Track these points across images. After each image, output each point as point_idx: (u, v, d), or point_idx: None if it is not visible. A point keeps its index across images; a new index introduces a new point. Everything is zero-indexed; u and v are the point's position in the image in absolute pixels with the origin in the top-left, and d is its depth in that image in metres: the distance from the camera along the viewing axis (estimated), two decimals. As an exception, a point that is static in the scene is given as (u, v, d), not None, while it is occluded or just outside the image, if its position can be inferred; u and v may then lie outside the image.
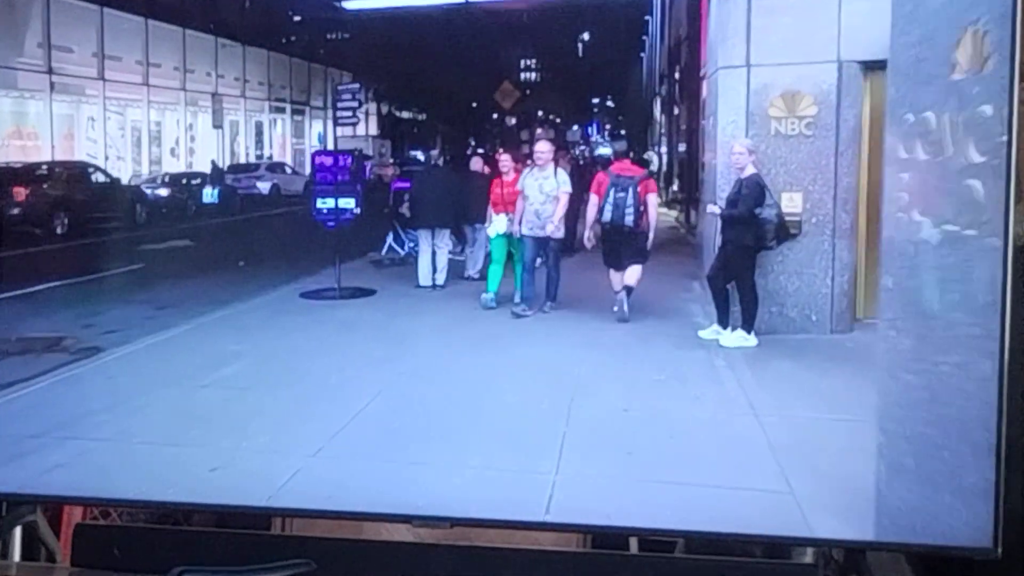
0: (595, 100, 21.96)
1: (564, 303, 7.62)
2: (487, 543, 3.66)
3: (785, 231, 6.25)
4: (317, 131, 20.76)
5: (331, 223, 8.02)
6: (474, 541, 3.64)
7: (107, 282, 8.76)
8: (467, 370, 6.31)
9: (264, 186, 19.39)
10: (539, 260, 7.64)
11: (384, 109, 20.33)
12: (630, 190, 7.01)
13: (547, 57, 21.33)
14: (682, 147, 13.65)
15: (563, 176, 7.54)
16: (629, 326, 6.98)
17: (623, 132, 23.20)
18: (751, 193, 6.21)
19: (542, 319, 7.33)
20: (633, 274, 7.16)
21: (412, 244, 10.61)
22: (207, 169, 19.35)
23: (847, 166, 6.39)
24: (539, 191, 7.49)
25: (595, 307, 7.61)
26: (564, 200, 7.42)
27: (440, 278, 8.93)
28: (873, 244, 6.42)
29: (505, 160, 7.98)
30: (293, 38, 19.29)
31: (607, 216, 7.04)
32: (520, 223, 7.56)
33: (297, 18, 20.00)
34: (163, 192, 16.03)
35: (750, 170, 6.29)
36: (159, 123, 18.48)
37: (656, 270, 7.64)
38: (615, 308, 7.08)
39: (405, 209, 10.58)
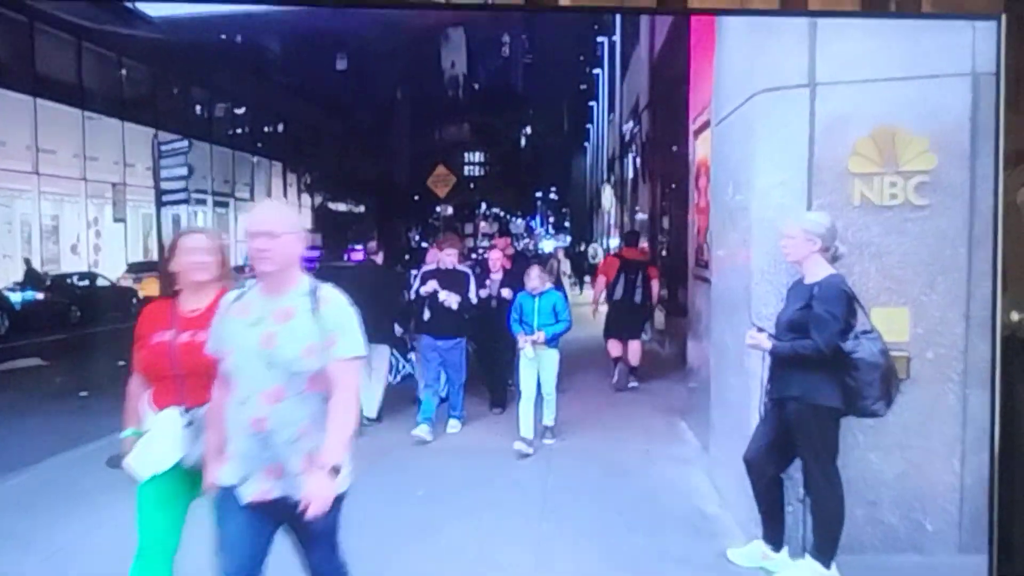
0: (538, 193, 20.08)
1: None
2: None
3: (895, 379, 3.09)
4: (244, 225, 17.56)
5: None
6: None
7: None
8: None
9: (169, 286, 16.10)
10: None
11: (316, 200, 17.31)
12: (640, 273, 6.85)
13: (490, 150, 19.23)
14: (642, 239, 10.84)
15: (340, 313, 2.56)
16: (617, 542, 3.69)
17: (567, 224, 21.51)
18: (832, 310, 2.94)
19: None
20: (635, 353, 6.74)
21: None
22: (114, 267, 16.07)
23: (989, 258, 3.27)
24: (264, 361, 2.48)
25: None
26: (350, 388, 2.55)
27: (372, 409, 5.72)
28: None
29: (194, 251, 2.84)
30: (214, 124, 16.28)
31: (619, 294, 6.80)
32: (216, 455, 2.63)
33: (222, 105, 17.07)
34: (39, 296, 12.68)
35: (821, 269, 3.07)
36: (56, 216, 15.20)
37: (631, 399, 6.33)
38: (614, 380, 6.65)
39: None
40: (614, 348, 6.87)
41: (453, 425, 5.52)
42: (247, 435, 2.52)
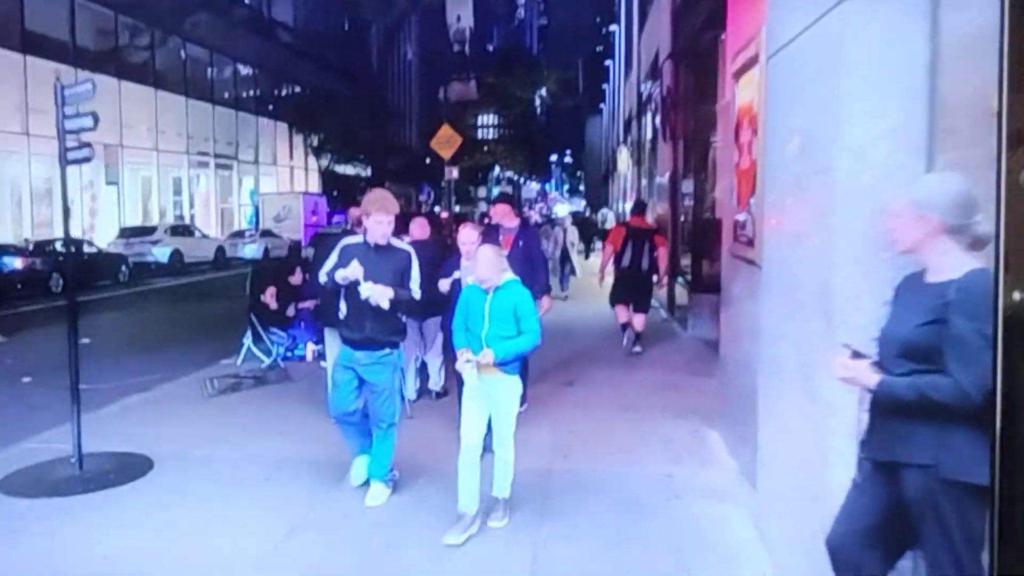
0: (553, 156, 18.98)
1: None
2: None
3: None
4: (248, 188, 16.39)
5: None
6: None
7: None
8: None
9: (162, 252, 14.99)
10: None
11: (323, 163, 16.09)
12: (646, 242, 6.74)
13: (502, 112, 17.99)
14: (661, 205, 9.70)
15: None
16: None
17: (581, 188, 20.73)
18: (986, 329, 1.85)
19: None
20: (639, 321, 6.80)
21: (284, 347, 6.32)
22: (113, 230, 14.93)
23: None
24: None
25: None
26: None
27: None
28: None
29: None
30: (216, 84, 15.07)
31: (626, 262, 6.73)
32: None
33: (225, 65, 15.87)
34: (19, 264, 11.57)
35: (956, 260, 1.91)
36: (48, 179, 14.08)
37: (649, 400, 5.01)
38: (624, 343, 6.78)
39: (270, 297, 6.28)
40: (622, 314, 6.87)
41: (376, 494, 3.45)
42: None
